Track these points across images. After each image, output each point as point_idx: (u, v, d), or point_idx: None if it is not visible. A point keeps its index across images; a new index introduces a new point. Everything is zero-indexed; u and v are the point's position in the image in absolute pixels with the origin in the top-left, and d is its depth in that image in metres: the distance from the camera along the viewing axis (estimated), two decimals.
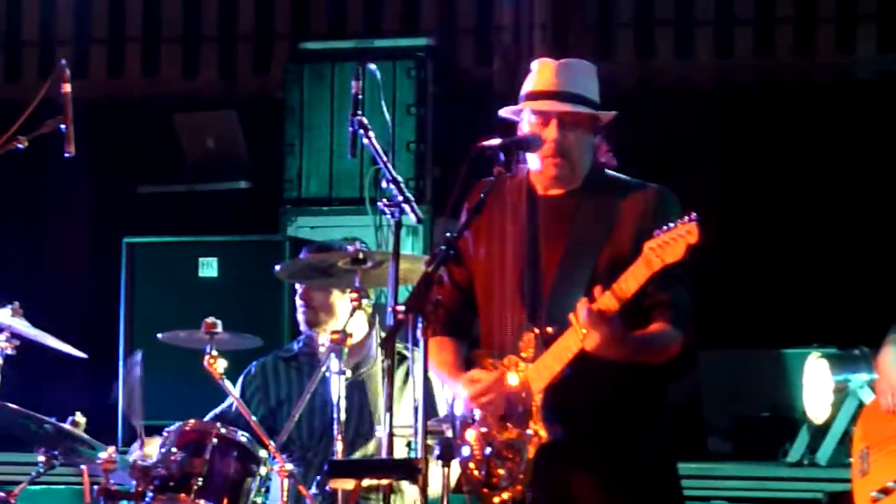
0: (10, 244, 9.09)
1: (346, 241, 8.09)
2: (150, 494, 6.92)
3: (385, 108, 7.54)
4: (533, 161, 6.08)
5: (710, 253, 5.69)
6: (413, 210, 6.68)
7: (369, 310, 7.70)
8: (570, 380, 5.70)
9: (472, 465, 6.14)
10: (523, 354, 5.87)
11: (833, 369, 8.24)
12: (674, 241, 5.47)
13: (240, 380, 7.91)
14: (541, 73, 6.16)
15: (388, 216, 6.67)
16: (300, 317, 7.98)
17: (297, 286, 7.99)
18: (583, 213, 6.12)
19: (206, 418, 7.46)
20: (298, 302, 7.93)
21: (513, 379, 5.92)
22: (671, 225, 5.42)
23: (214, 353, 7.27)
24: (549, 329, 5.76)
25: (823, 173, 9.22)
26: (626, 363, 5.75)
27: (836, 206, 8.59)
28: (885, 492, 6.77)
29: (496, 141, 5.98)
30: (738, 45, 10.50)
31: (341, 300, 7.75)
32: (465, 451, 6.08)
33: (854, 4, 10.20)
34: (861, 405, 7.20)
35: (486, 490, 6.12)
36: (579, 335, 5.41)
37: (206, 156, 10.70)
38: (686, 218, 5.32)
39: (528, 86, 6.17)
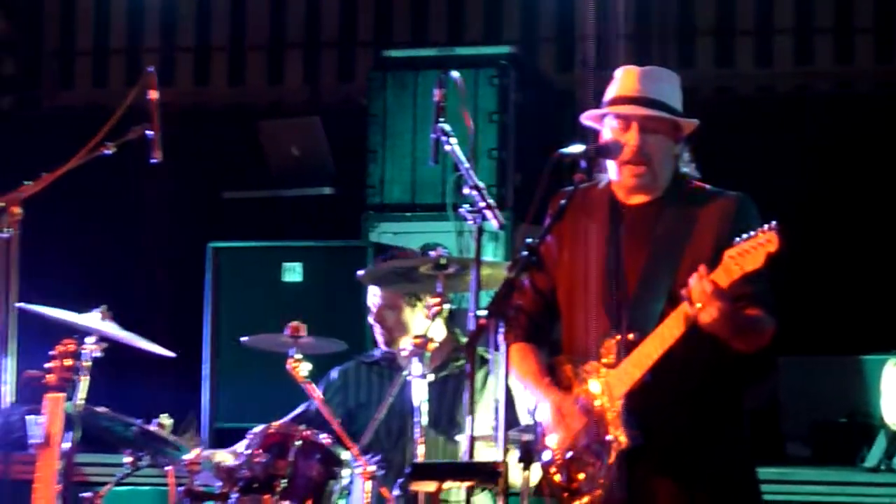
0: (98, 248, 9.10)
1: (428, 247, 8.13)
2: (235, 495, 7.01)
3: (467, 116, 7.56)
4: (613, 170, 6.06)
5: (790, 258, 5.72)
6: (495, 216, 6.82)
7: (446, 314, 7.70)
8: (650, 386, 5.74)
9: (553, 469, 6.14)
10: (605, 360, 5.90)
11: None
12: (754, 249, 5.52)
13: (322, 383, 7.89)
14: (624, 79, 6.18)
15: (470, 222, 6.80)
16: (378, 337, 8.05)
17: (372, 307, 8.06)
18: (664, 223, 6.13)
19: (285, 419, 7.56)
20: (373, 322, 7.99)
21: (595, 386, 5.93)
22: (751, 233, 5.53)
23: (298, 356, 7.31)
24: (631, 336, 5.80)
25: None
26: (705, 369, 5.90)
27: None
28: None
29: (578, 148, 6.01)
30: (818, 53, 10.51)
31: (413, 316, 7.91)
32: (547, 455, 6.09)
33: None
34: None
35: (566, 494, 6.13)
36: (693, 310, 5.49)
37: (290, 162, 10.75)
38: (766, 226, 5.34)
39: (610, 92, 6.19)
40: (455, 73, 7.93)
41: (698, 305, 5.48)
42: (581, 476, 6.13)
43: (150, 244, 9.80)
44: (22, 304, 7.34)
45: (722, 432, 6.16)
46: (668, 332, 5.75)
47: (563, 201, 5.94)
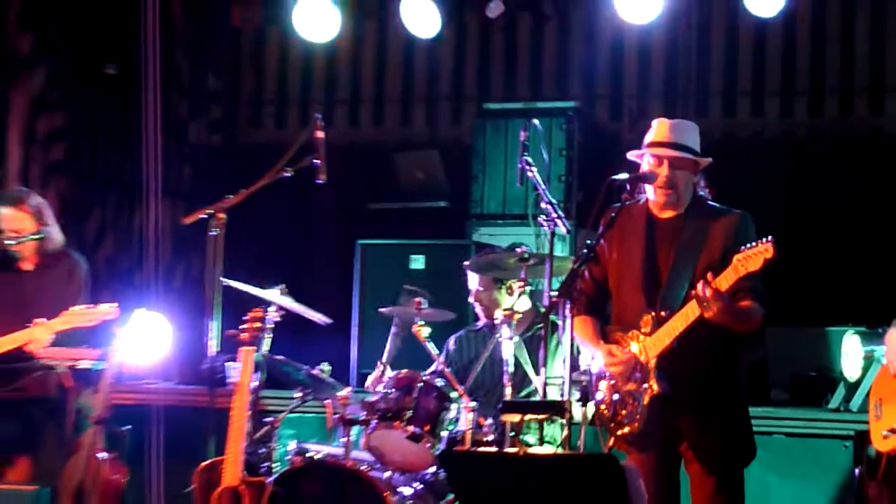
0: (279, 243, 9.16)
1: (514, 245, 8.12)
2: (374, 422, 7.15)
3: (544, 151, 7.70)
4: (649, 192, 6.36)
5: (779, 256, 5.65)
6: (563, 223, 7.22)
7: (528, 293, 7.78)
8: (676, 350, 6.10)
9: (603, 406, 6.47)
10: (643, 330, 6.21)
11: (863, 343, 8.18)
12: (755, 255, 5.82)
13: (445, 346, 8.11)
14: (658, 128, 6.43)
15: (545, 228, 7.14)
16: (478, 312, 8.15)
17: (472, 289, 8.22)
18: (686, 231, 6.36)
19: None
20: (473, 301, 8.10)
21: (635, 347, 6.17)
22: (754, 243, 5.83)
23: (421, 322, 7.46)
24: (663, 313, 6.14)
25: (858, 207, 9.20)
26: (719, 335, 6.13)
27: (866, 225, 8.37)
28: (893, 431, 6.76)
29: (624, 176, 6.37)
30: (797, 108, 10.40)
31: (500, 295, 7.99)
32: (599, 396, 6.46)
33: (881, 76, 10.15)
34: (880, 369, 7.16)
35: (612, 425, 6.42)
36: (702, 305, 5.89)
37: (416, 183, 10.76)
38: (765, 239, 5.67)
39: (648, 137, 6.45)
40: (536, 121, 8.00)
41: (705, 305, 5.85)
42: (623, 412, 6.36)
43: (316, 241, 9.91)
44: (226, 281, 7.31)
45: (725, 383, 6.43)
46: (689, 313, 6.03)
47: (612, 214, 6.26)
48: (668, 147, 6.26)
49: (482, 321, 8.00)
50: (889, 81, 10.12)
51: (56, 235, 8.07)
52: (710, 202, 6.35)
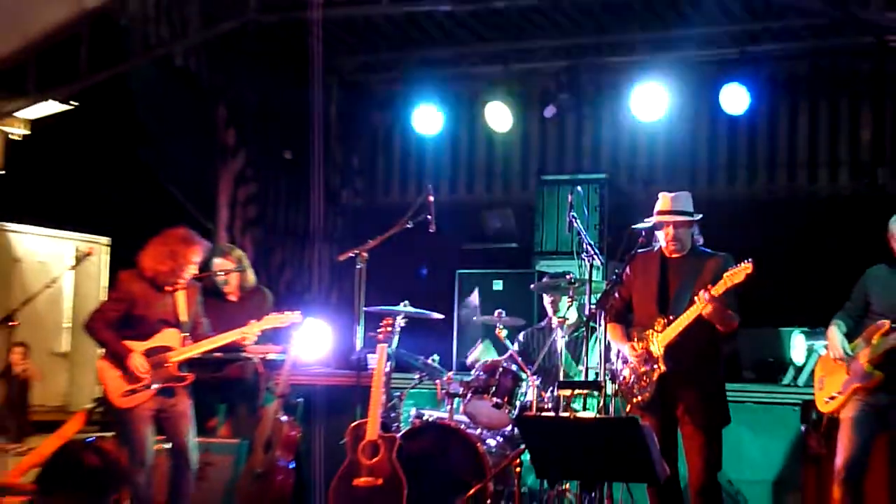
0: (404, 275, 9.11)
1: (564, 273, 8.15)
2: (469, 395, 7.20)
3: (584, 208, 7.76)
4: (661, 241, 6.53)
5: (749, 279, 5.71)
6: (598, 258, 7.48)
7: (575, 306, 7.78)
8: (678, 343, 6.25)
9: (625, 382, 6.64)
10: (656, 329, 6.39)
11: (805, 339, 8.16)
12: (740, 271, 6.06)
13: (516, 340, 8.01)
14: (663, 200, 6.56)
15: (586, 261, 7.08)
16: (547, 308, 7.90)
17: (545, 297, 7.98)
18: (687, 266, 6.56)
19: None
20: (546, 301, 7.90)
21: (652, 341, 6.33)
22: (737, 265, 6.01)
23: (501, 326, 7.49)
24: (671, 317, 6.29)
25: (801, 248, 9.16)
26: (707, 334, 6.24)
27: (807, 259, 8.24)
28: (832, 398, 6.67)
29: (640, 226, 6.54)
30: (759, 178, 10.34)
31: (562, 302, 7.69)
32: (622, 376, 6.54)
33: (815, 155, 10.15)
34: (819, 357, 7.07)
35: (631, 396, 6.61)
36: (702, 308, 6.04)
37: (496, 231, 10.72)
38: (747, 260, 5.90)
39: (657, 206, 6.58)
40: (578, 188, 8.13)
41: (704, 305, 5.96)
42: (638, 387, 6.54)
43: (429, 272, 9.80)
44: (367, 308, 7.45)
45: (710, 367, 6.52)
46: (691, 314, 6.16)
47: (635, 254, 6.48)
48: (671, 214, 6.34)
49: (544, 322, 7.97)
50: (821, 159, 10.09)
51: (251, 276, 8.22)
52: (703, 247, 6.45)
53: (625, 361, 6.43)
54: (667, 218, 6.36)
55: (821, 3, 7.98)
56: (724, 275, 6.02)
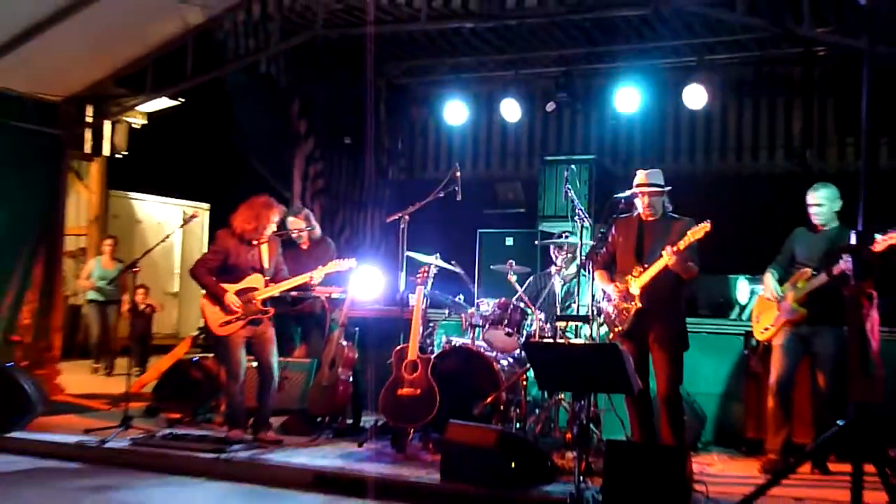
0: (437, 232, 8.98)
1: (562, 232, 8.10)
2: (487, 326, 7.30)
3: (576, 186, 7.60)
4: (639, 208, 6.50)
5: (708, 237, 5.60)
6: (588, 220, 7.31)
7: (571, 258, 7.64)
8: (651, 285, 6.30)
9: (610, 314, 6.59)
10: (634, 275, 6.27)
11: (749, 284, 8.18)
12: (698, 230, 6.10)
13: (527, 283, 7.99)
14: (639, 175, 6.62)
15: (578, 223, 6.97)
16: (553, 255, 7.92)
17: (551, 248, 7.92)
18: (659, 227, 6.48)
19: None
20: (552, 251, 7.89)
21: (630, 284, 6.19)
22: (697, 224, 6.05)
23: (512, 273, 7.61)
24: (645, 265, 6.30)
25: (745, 212, 9.03)
26: (672, 279, 6.24)
27: (750, 221, 8.13)
28: (766, 329, 6.67)
29: (620, 195, 6.45)
30: (713, 159, 10.28)
31: (559, 257, 7.66)
32: (606, 311, 6.55)
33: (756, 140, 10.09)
34: (757, 297, 7.06)
35: (614, 327, 6.58)
36: (669, 260, 6.05)
37: (508, 199, 10.69)
38: (704, 222, 5.96)
39: (635, 180, 6.60)
40: (573, 166, 8.01)
41: (670, 257, 5.99)
42: (619, 320, 6.51)
43: (457, 230, 9.70)
44: (409, 254, 7.35)
45: (674, 305, 6.51)
46: (660, 263, 6.15)
47: (616, 217, 6.52)
48: (646, 187, 6.33)
49: (548, 268, 7.91)
50: (761, 144, 10.04)
51: (317, 230, 8.26)
52: (671, 213, 6.41)
53: (609, 300, 6.44)
54: (643, 189, 6.38)
55: (763, 20, 7.88)
56: (688, 232, 6.05)
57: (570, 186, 7.47)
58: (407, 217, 7.69)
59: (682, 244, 6.08)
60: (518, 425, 6.81)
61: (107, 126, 10.15)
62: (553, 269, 7.74)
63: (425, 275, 7.30)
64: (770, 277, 6.71)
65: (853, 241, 4.42)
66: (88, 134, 9.94)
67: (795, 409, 6.69)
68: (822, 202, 6.58)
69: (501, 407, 6.90)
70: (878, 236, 5.82)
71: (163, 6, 8.74)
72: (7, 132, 8.75)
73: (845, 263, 6.00)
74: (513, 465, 5.73)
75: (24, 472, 6.24)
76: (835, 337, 6.45)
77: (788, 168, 9.78)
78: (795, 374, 6.62)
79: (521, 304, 7.41)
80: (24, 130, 9.00)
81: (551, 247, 7.88)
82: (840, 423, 4.36)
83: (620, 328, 6.33)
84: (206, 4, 9.08)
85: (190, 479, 6.21)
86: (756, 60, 9.88)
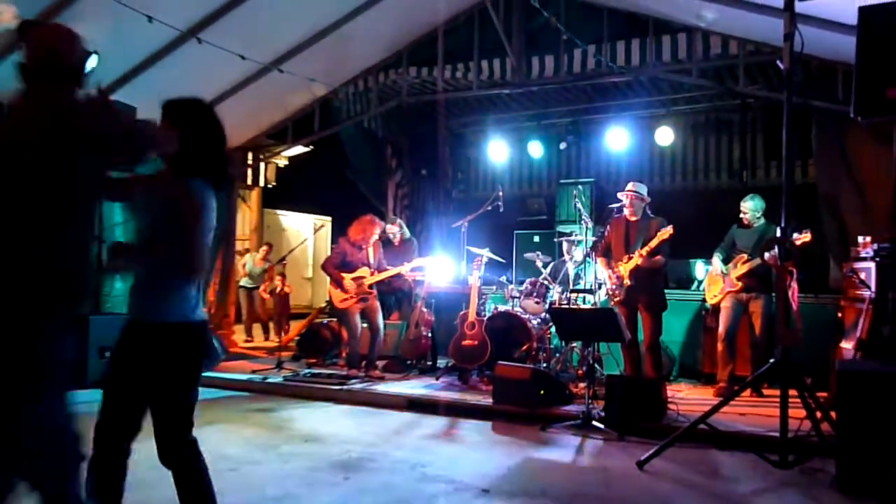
0: (487, 234, 8.90)
1: (572, 232, 8.02)
2: (522, 297, 7.03)
3: (581, 200, 7.45)
4: (626, 212, 6.32)
5: (674, 233, 5.52)
6: (589, 223, 6.82)
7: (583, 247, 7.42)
8: (636, 270, 6.04)
9: (608, 290, 6.41)
10: (624, 262, 6.11)
11: (704, 265, 8.02)
12: (665, 232, 5.75)
13: (552, 267, 7.78)
14: (628, 186, 6.50)
15: (583, 226, 6.74)
16: (564, 250, 7.73)
17: (564, 244, 7.78)
18: (640, 225, 6.35)
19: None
20: (564, 247, 7.70)
21: (621, 268, 6.17)
22: (667, 227, 5.81)
23: (538, 261, 7.22)
24: (631, 255, 6.13)
25: (707, 218, 8.77)
26: (650, 267, 6.10)
27: (711, 220, 8.01)
28: (715, 296, 6.61)
29: (614, 206, 6.10)
30: (686, 181, 10.12)
31: (573, 249, 7.55)
32: (607, 286, 6.31)
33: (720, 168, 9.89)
34: (708, 273, 6.94)
35: (612, 298, 6.45)
36: (637, 260, 5.86)
37: (535, 210, 10.59)
38: (669, 226, 5.56)
39: (626, 188, 6.42)
40: (580, 186, 7.87)
41: (639, 259, 5.93)
42: (616, 293, 6.35)
43: (500, 232, 9.57)
44: (470, 248, 7.32)
45: (655, 280, 6.27)
46: (636, 258, 6.05)
47: (611, 219, 6.26)
48: (630, 192, 6.27)
49: (564, 257, 7.79)
50: (711, 168, 9.88)
51: (406, 233, 8.30)
52: (650, 214, 6.35)
53: (610, 277, 6.36)
54: (629, 192, 6.31)
55: (711, 82, 7.79)
56: (658, 233, 6.00)
57: (577, 201, 7.46)
58: (465, 223, 7.76)
59: (647, 249, 6.07)
60: (544, 365, 6.81)
61: (261, 166, 10.30)
62: (566, 257, 7.69)
63: (479, 263, 7.30)
64: (717, 259, 6.66)
65: (778, 234, 4.39)
66: (249, 172, 10.12)
67: (738, 351, 6.63)
68: (751, 208, 6.60)
69: (533, 352, 6.91)
70: (795, 234, 5.74)
71: (298, 84, 8.84)
72: None
73: (775, 252, 5.95)
74: (542, 392, 5.77)
75: (213, 399, 6.41)
76: (766, 301, 6.41)
77: (730, 184, 9.61)
78: (737, 327, 6.57)
79: (545, 282, 7.41)
80: None
81: (564, 242, 7.84)
82: (771, 360, 4.32)
83: (617, 299, 6.27)
84: (327, 82, 9.19)
85: (322, 403, 6.32)
86: (706, 109, 9.73)
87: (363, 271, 7.16)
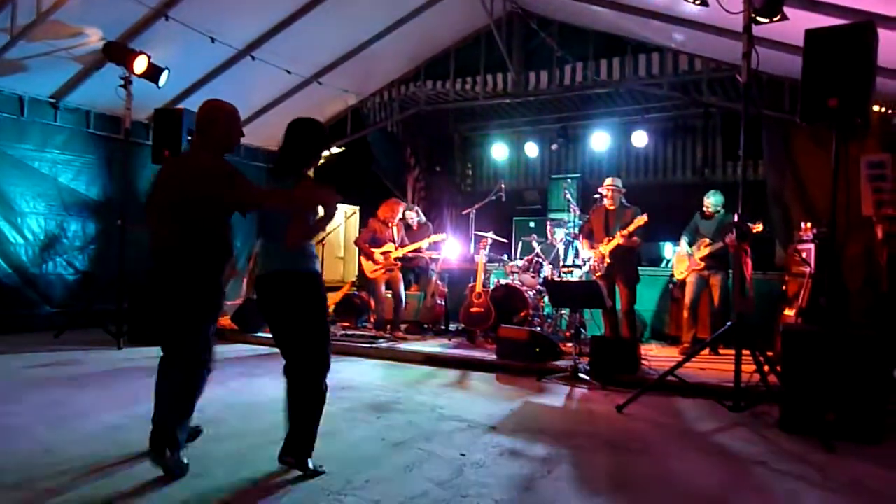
0: (490, 220, 8.73)
1: (561, 220, 7.98)
2: (519, 272, 7.01)
3: (570, 192, 7.39)
4: (606, 202, 6.22)
5: (648, 221, 5.50)
6: (578, 212, 6.75)
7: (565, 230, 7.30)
8: (615, 249, 6.00)
9: (591, 267, 6.32)
10: (604, 243, 6.05)
11: (673, 247, 8.01)
12: (640, 219, 5.73)
13: (549, 248, 7.59)
14: (607, 181, 6.43)
15: (572, 213, 6.73)
16: (549, 234, 7.71)
17: (553, 229, 7.72)
18: (618, 213, 6.31)
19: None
20: (549, 230, 7.70)
21: (602, 248, 6.09)
22: (641, 214, 5.43)
23: (534, 243, 7.18)
24: (611, 238, 6.03)
25: (676, 207, 8.70)
26: (626, 247, 6.08)
27: (682, 207, 7.95)
28: (682, 273, 6.64)
29: (597, 196, 6.05)
30: (658, 173, 10.09)
31: (556, 233, 7.60)
32: (589, 263, 6.17)
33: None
34: (675, 253, 6.96)
35: (594, 272, 6.34)
36: (618, 240, 5.74)
37: (530, 200, 10.56)
38: (644, 214, 5.37)
39: (605, 183, 6.40)
40: (569, 180, 7.82)
41: (620, 238, 5.77)
42: (597, 268, 6.24)
43: (501, 219, 9.35)
44: (478, 233, 7.31)
45: (630, 258, 6.20)
46: (616, 240, 5.98)
47: (594, 208, 6.13)
48: (609, 186, 6.27)
49: (553, 239, 7.80)
50: (678, 165, 9.81)
51: (422, 217, 8.27)
52: (626, 203, 6.35)
53: (591, 257, 6.37)
54: (609, 187, 6.30)
55: (678, 93, 7.78)
56: (635, 220, 6.02)
57: (567, 192, 7.50)
58: (473, 211, 7.78)
59: (627, 230, 6.06)
60: (539, 328, 6.87)
61: None
62: (551, 238, 7.66)
63: (485, 244, 7.36)
64: (683, 241, 6.70)
65: (736, 219, 4.44)
66: None
67: (699, 318, 6.69)
68: (713, 203, 6.63)
69: (529, 318, 6.98)
70: (749, 223, 5.79)
71: (333, 96, 8.90)
72: (249, 171, 8.96)
73: (733, 235, 6.01)
74: (537, 349, 5.85)
75: (259, 356, 6.39)
76: (723, 277, 6.46)
77: (694, 180, 9.53)
78: (700, 298, 6.62)
79: (540, 260, 7.46)
80: (259, 168, 9.25)
81: (549, 226, 7.81)
82: (728, 323, 4.38)
83: (599, 273, 6.31)
84: (357, 92, 9.22)
85: (356, 359, 6.37)
86: (675, 117, 9.62)
87: (389, 246, 7.23)
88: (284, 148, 3.05)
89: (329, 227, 3.75)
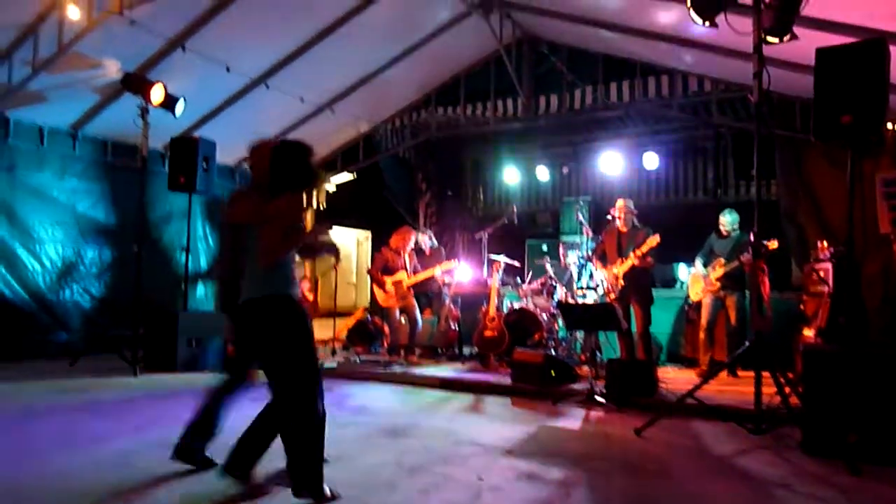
0: (502, 244, 8.68)
1: (574, 242, 7.97)
2: (533, 295, 6.89)
3: (582, 214, 7.36)
4: (618, 224, 6.22)
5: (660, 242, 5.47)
6: (590, 233, 6.72)
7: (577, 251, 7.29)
8: (629, 271, 5.98)
9: (605, 288, 6.24)
10: (617, 264, 6.01)
11: (687, 268, 7.94)
12: (653, 239, 5.61)
13: (563, 269, 7.57)
14: (619, 202, 6.38)
15: (584, 235, 6.69)
16: (562, 256, 7.70)
17: (567, 252, 7.70)
18: (630, 234, 6.28)
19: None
20: (561, 253, 7.72)
21: (615, 269, 6.08)
22: (654, 235, 5.49)
23: (547, 265, 7.16)
24: (624, 259, 5.99)
25: (688, 225, 8.67)
26: (640, 269, 6.05)
27: (691, 229, 7.89)
28: (697, 294, 6.58)
29: (609, 216, 6.03)
30: (669, 197, 10.05)
31: (569, 256, 7.57)
32: (605, 285, 6.19)
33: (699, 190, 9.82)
34: (691, 274, 6.90)
35: (608, 294, 6.26)
36: (633, 260, 5.68)
37: (543, 224, 10.53)
38: (656, 234, 5.36)
39: (617, 205, 6.37)
40: (580, 202, 7.81)
41: (635, 259, 5.73)
42: (612, 290, 6.23)
43: (513, 242, 9.26)
44: (491, 256, 7.31)
45: (645, 280, 6.20)
46: (630, 259, 5.90)
47: (606, 229, 6.16)
48: (621, 207, 6.27)
49: (566, 262, 7.75)
50: (690, 186, 9.78)
51: (434, 242, 8.28)
52: (638, 225, 6.33)
53: (606, 278, 6.35)
54: (621, 208, 6.31)
55: (689, 115, 7.80)
56: (647, 240, 5.99)
57: (579, 214, 7.49)
58: (485, 235, 7.79)
59: (640, 251, 6.03)
60: (553, 351, 6.82)
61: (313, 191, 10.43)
62: (563, 261, 7.64)
63: (497, 267, 7.35)
64: (699, 262, 6.65)
65: (752, 238, 4.41)
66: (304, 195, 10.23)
67: (716, 339, 6.60)
68: (729, 221, 6.58)
69: (543, 341, 6.94)
70: (764, 241, 5.75)
71: (345, 122, 8.98)
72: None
73: (748, 255, 5.97)
74: (553, 373, 5.79)
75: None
76: (739, 297, 6.39)
77: (706, 200, 9.49)
78: (716, 320, 6.54)
79: (553, 282, 7.44)
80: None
81: (561, 248, 7.83)
82: (746, 343, 4.31)
83: (614, 295, 6.28)
84: (369, 119, 9.31)
85: (369, 383, 6.35)
86: (685, 138, 9.62)
87: (401, 275, 7.23)
88: (270, 171, 3.01)
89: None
